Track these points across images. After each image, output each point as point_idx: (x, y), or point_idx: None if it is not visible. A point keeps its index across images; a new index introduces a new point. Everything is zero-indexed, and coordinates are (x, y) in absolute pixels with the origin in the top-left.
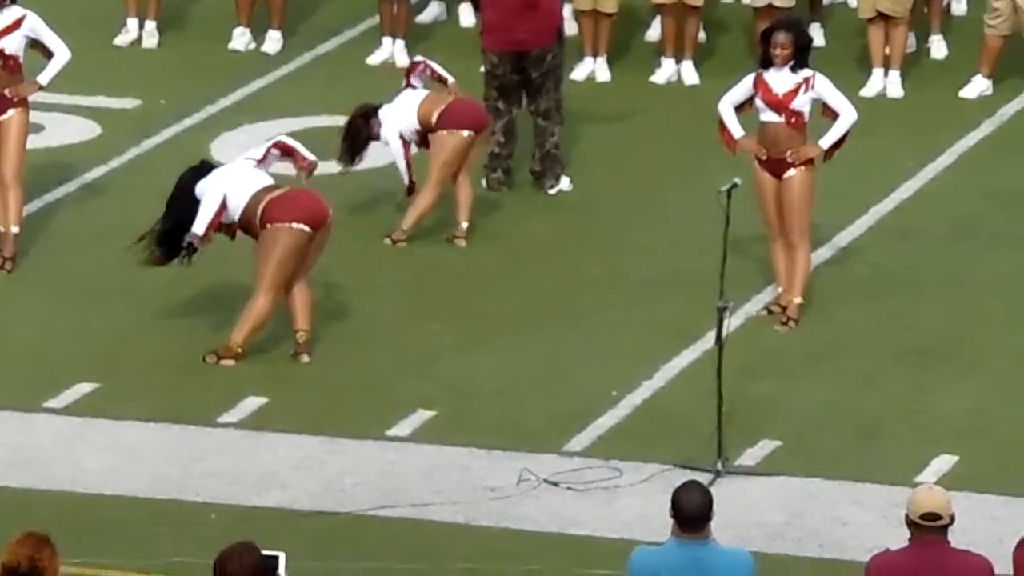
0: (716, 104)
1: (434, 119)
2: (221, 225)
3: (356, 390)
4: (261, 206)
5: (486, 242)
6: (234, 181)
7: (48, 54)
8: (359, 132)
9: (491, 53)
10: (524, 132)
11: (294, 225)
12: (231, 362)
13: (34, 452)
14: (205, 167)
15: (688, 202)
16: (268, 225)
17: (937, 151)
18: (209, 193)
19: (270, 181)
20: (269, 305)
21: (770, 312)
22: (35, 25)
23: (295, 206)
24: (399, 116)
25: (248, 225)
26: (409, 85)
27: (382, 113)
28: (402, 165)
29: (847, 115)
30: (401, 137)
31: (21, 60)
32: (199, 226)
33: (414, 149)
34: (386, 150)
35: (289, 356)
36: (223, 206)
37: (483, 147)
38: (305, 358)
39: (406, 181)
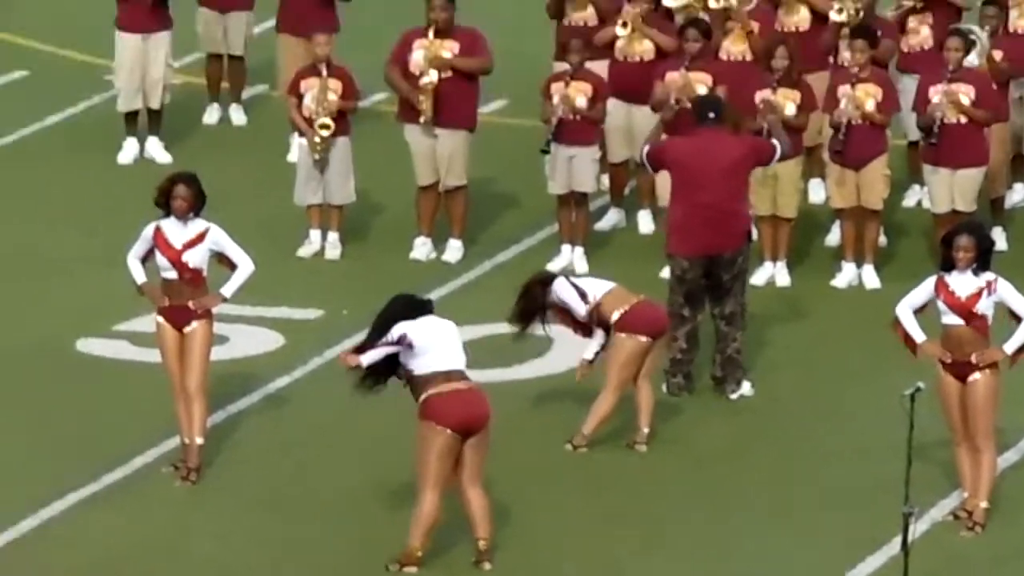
0: (896, 308)
1: (614, 318)
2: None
3: None
4: (424, 394)
5: (667, 447)
6: (427, 343)
7: (232, 266)
8: (535, 297)
9: (680, 257)
10: (705, 336)
11: (442, 428)
12: (413, 569)
13: None
14: (419, 305)
15: (872, 406)
16: (422, 420)
17: None
18: (397, 335)
19: (455, 367)
20: (433, 505)
21: (956, 517)
22: (219, 238)
23: (449, 411)
24: (592, 289)
25: (412, 391)
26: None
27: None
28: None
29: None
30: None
31: (205, 272)
32: (366, 357)
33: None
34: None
35: (471, 563)
36: (396, 353)
37: (663, 351)
38: (487, 566)
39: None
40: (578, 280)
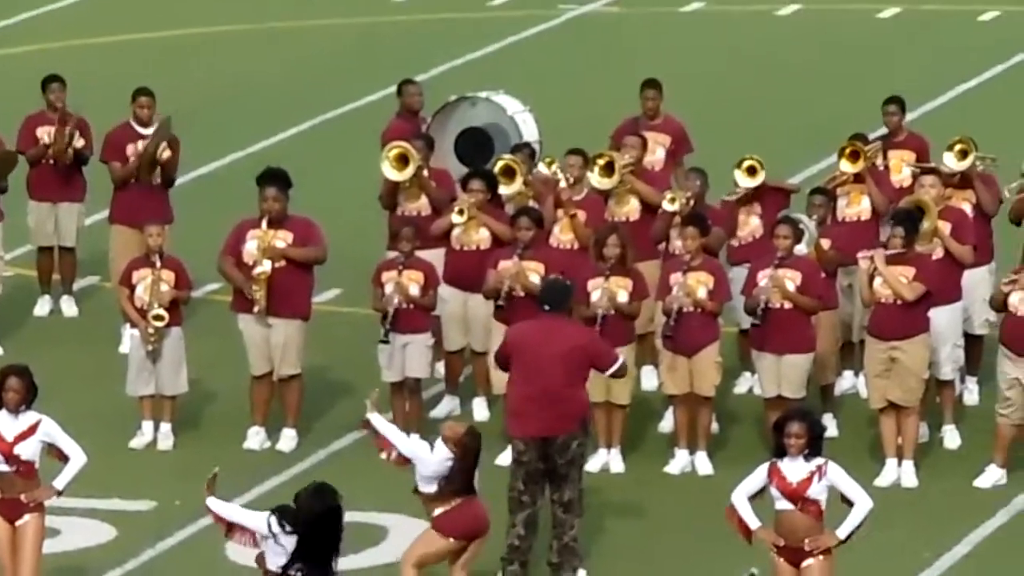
0: (730, 494)
1: (435, 513)
2: None
3: None
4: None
5: None
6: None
7: (64, 458)
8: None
9: (517, 440)
10: (543, 523)
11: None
12: None
13: None
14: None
15: None
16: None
17: (953, 541)
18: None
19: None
20: None
21: None
22: (50, 430)
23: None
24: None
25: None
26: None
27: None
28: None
29: (861, 504)
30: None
31: (37, 465)
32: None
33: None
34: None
35: None
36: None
37: (482, 546)
38: None
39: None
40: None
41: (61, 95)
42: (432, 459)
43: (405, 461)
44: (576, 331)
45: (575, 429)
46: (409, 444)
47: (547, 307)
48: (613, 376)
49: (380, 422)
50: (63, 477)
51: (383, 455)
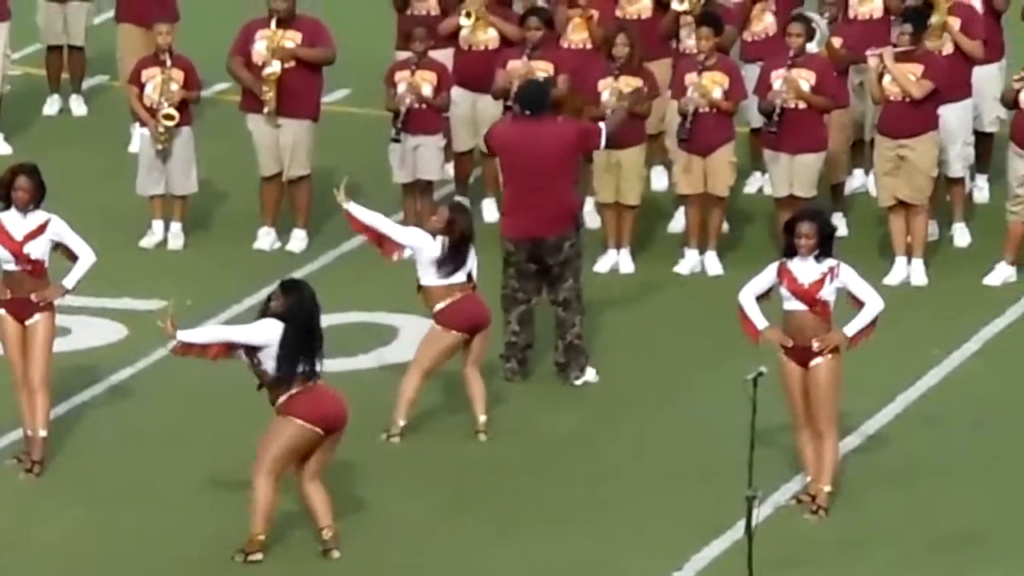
0: (738, 294)
1: (435, 308)
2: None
3: None
4: (285, 396)
5: (512, 435)
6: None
7: (73, 257)
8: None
9: (507, 239)
10: (549, 322)
11: (307, 425)
12: (259, 555)
13: None
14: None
15: (714, 392)
16: (285, 415)
17: (963, 339)
18: (257, 328)
19: (318, 368)
20: (270, 488)
21: (799, 501)
22: (59, 229)
23: (314, 408)
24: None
25: (270, 393)
26: None
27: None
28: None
29: (873, 305)
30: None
31: (46, 264)
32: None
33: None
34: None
35: (319, 554)
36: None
37: (486, 342)
38: (336, 554)
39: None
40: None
41: None
42: (434, 245)
43: (400, 249)
44: (556, 128)
45: (566, 230)
46: (403, 232)
47: (527, 111)
48: (607, 146)
49: (361, 211)
50: (72, 276)
51: (393, 257)
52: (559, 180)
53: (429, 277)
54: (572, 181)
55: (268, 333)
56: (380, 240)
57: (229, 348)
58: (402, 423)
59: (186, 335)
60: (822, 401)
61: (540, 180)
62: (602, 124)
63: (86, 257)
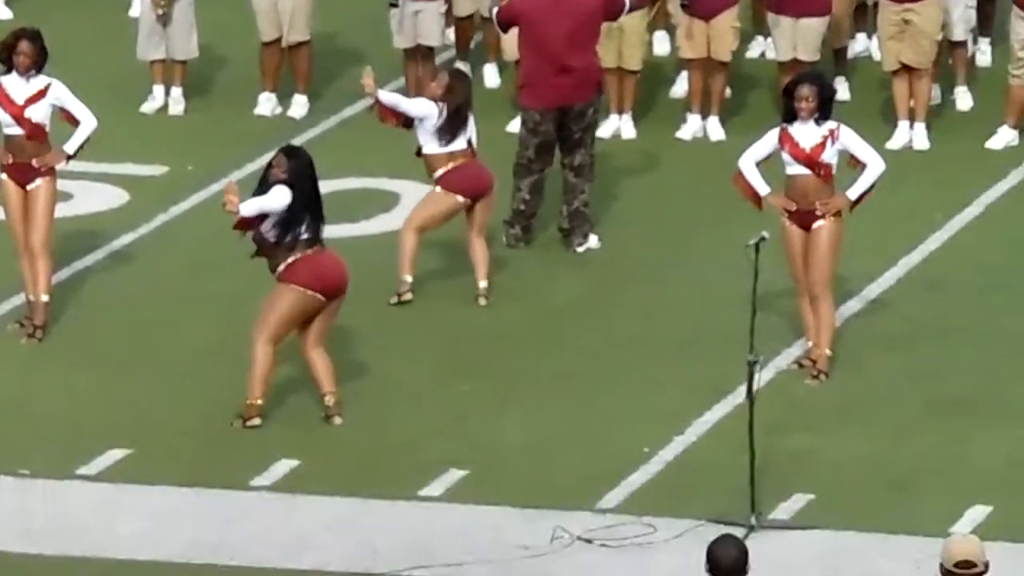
0: (739, 160)
1: (437, 173)
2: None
3: (387, 451)
4: (284, 263)
5: (515, 301)
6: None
7: (74, 122)
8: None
9: (532, 110)
10: (550, 190)
11: (308, 292)
12: (257, 420)
13: (68, 520)
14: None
15: (716, 257)
16: (286, 281)
17: (964, 202)
18: (277, 195)
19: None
20: (268, 354)
21: (800, 366)
22: (60, 94)
23: (315, 274)
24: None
25: (270, 260)
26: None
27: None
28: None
29: (874, 166)
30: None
31: (47, 129)
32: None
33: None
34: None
35: (321, 420)
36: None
37: (489, 210)
38: (337, 420)
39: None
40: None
41: None
42: (435, 112)
43: (408, 123)
44: None
45: (592, 96)
46: (416, 104)
47: None
48: (629, 11)
49: (387, 96)
50: (73, 141)
51: (388, 124)
52: (586, 47)
53: (430, 145)
54: (595, 45)
55: (282, 199)
56: (395, 116)
57: (259, 220)
58: (409, 279)
59: (243, 208)
60: (819, 263)
61: (569, 47)
62: None
63: (87, 122)
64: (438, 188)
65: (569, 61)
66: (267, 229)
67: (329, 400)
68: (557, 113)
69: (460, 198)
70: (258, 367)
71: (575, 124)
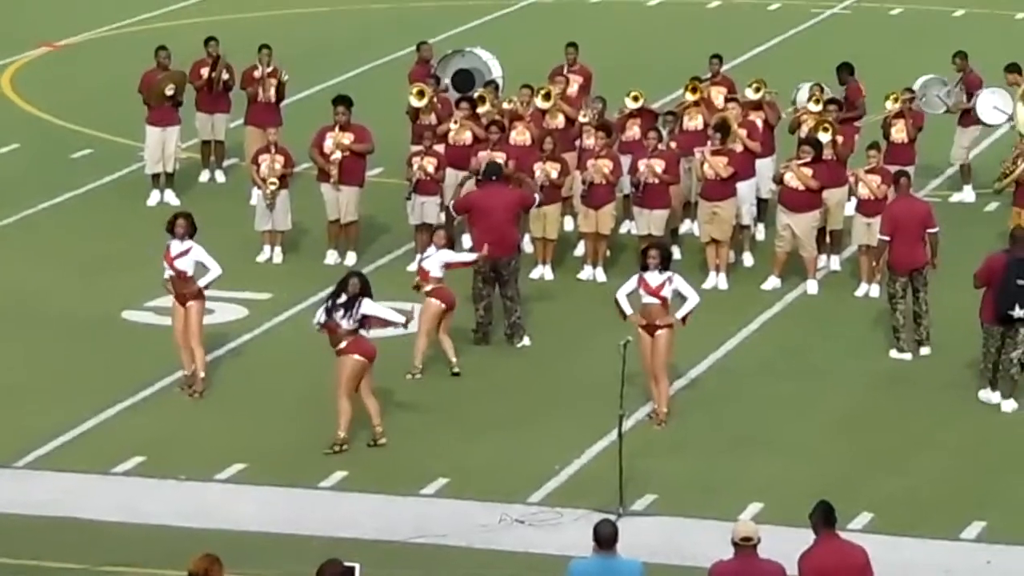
0: (615, 294)
1: (426, 290)
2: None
3: (400, 466)
4: (347, 341)
5: (476, 376)
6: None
7: (206, 270)
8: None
9: (481, 260)
10: (499, 309)
11: (361, 359)
12: (342, 446)
13: (208, 506)
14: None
15: (606, 350)
16: (346, 354)
17: (749, 320)
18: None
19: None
20: (347, 403)
21: (651, 418)
22: (199, 252)
23: (363, 348)
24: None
25: (339, 342)
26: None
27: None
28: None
29: (692, 299)
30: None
31: (190, 273)
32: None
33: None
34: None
35: (369, 446)
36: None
37: (451, 320)
38: (383, 440)
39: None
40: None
41: (217, 48)
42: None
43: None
44: (509, 192)
45: (513, 252)
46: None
47: (492, 177)
48: (537, 207)
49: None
50: (204, 279)
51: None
52: (509, 223)
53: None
54: (517, 223)
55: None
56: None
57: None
58: (419, 365)
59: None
60: (659, 356)
61: (498, 222)
62: (536, 195)
63: (215, 269)
64: (429, 299)
65: (499, 230)
66: (353, 322)
67: (378, 431)
68: (492, 261)
69: (445, 306)
70: (341, 414)
71: (503, 270)
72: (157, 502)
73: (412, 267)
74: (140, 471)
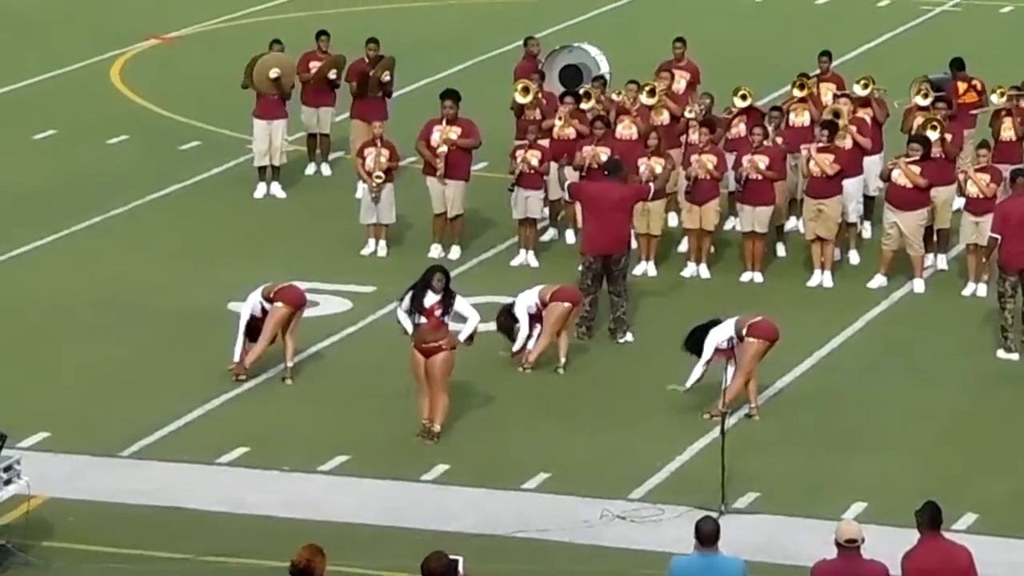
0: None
1: (548, 297)
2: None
3: (499, 460)
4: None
5: (580, 371)
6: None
7: (463, 319)
8: (507, 317)
9: (588, 255)
10: (604, 304)
11: (568, 305)
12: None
13: (313, 496)
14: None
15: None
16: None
17: (852, 321)
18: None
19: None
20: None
21: (748, 415)
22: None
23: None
24: (526, 300)
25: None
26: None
27: (518, 299)
28: (524, 329)
29: (473, 319)
30: (528, 313)
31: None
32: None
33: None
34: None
35: (461, 439)
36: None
37: (576, 315)
38: (435, 439)
39: (520, 341)
40: (522, 298)
41: (327, 42)
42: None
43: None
44: (622, 187)
45: (624, 249)
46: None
47: (607, 173)
48: (652, 200)
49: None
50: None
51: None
52: (623, 219)
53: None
54: (629, 219)
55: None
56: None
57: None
58: (533, 362)
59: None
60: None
61: (609, 218)
62: (651, 186)
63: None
64: (556, 302)
65: (612, 224)
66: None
67: (434, 426)
68: (602, 257)
69: (570, 305)
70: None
71: (613, 266)
72: (261, 493)
73: (516, 262)
74: (244, 462)
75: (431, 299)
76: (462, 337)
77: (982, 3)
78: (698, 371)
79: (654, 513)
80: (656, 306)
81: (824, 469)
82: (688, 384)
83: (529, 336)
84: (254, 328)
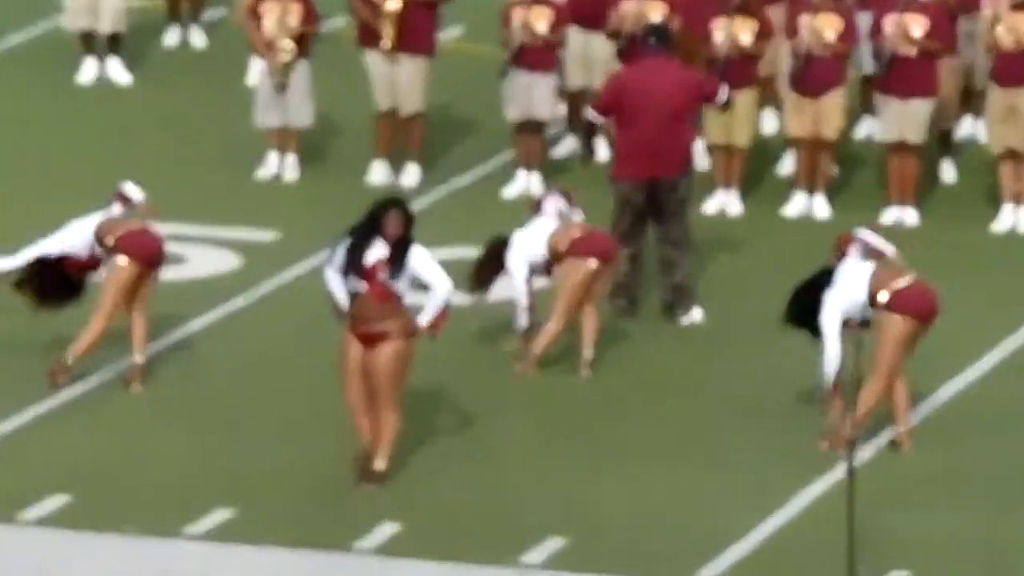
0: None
1: (564, 248)
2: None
3: (488, 516)
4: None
5: (617, 371)
6: None
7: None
8: (491, 262)
9: (624, 181)
10: (654, 264)
11: (593, 262)
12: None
13: None
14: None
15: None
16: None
17: None
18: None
19: None
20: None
21: (893, 443)
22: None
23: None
24: (528, 243)
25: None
26: (540, 213)
27: (514, 239)
28: (522, 297)
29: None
30: (529, 268)
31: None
32: None
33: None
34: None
35: (425, 484)
36: None
37: (610, 279)
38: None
39: (522, 316)
40: (527, 228)
41: None
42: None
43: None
44: (681, 74)
45: (683, 170)
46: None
47: (655, 43)
48: (721, 108)
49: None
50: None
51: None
52: (681, 122)
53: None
54: (688, 124)
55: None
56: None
57: None
58: (538, 353)
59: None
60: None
61: (663, 121)
62: (724, 89)
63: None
64: (571, 256)
65: (664, 133)
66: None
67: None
68: (648, 185)
69: (595, 262)
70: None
71: (666, 197)
72: (88, 567)
73: (511, 191)
74: (63, 519)
75: (377, 252)
76: (423, 320)
77: None
78: (832, 362)
79: None
80: (741, 266)
81: (1007, 528)
82: (824, 386)
83: (531, 307)
84: (68, 276)
